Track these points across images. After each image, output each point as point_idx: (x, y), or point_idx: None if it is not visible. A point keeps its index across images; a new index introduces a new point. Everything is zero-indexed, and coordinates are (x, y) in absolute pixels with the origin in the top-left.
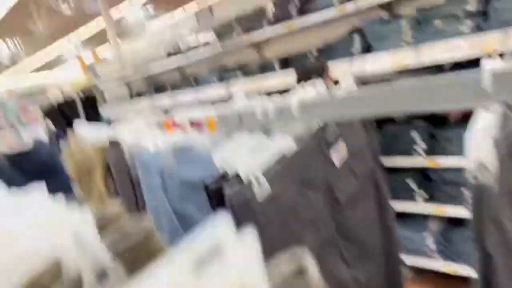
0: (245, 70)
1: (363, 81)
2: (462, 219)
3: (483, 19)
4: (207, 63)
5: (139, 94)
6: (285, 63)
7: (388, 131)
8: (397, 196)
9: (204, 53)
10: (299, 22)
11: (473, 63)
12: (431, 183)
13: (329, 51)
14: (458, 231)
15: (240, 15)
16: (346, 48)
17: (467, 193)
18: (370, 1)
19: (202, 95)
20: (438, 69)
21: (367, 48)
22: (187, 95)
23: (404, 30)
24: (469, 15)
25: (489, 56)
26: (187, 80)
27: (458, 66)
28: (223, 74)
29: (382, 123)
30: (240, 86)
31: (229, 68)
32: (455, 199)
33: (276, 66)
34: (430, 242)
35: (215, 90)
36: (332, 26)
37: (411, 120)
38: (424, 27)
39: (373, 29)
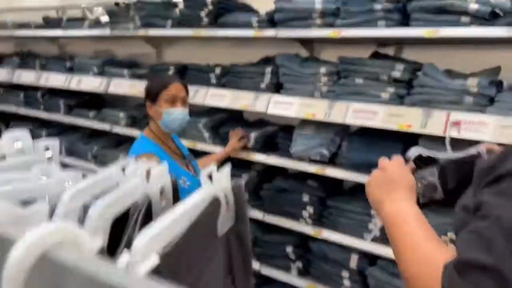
0: (134, 70)
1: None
2: None
3: (407, 90)
4: (92, 46)
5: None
6: (182, 71)
7: (278, 185)
8: (272, 262)
9: (89, 32)
10: (209, 31)
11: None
12: (311, 255)
13: (234, 75)
14: None
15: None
16: (255, 78)
17: (346, 276)
18: (291, 33)
19: (74, 80)
20: (345, 129)
21: (277, 86)
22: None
23: (322, 80)
24: (394, 81)
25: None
26: (62, 57)
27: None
28: (108, 66)
29: (273, 174)
30: (121, 87)
31: (116, 61)
32: (332, 281)
33: (171, 72)
34: None
35: (90, 81)
36: (246, 47)
37: (305, 177)
38: (343, 81)
39: (288, 67)
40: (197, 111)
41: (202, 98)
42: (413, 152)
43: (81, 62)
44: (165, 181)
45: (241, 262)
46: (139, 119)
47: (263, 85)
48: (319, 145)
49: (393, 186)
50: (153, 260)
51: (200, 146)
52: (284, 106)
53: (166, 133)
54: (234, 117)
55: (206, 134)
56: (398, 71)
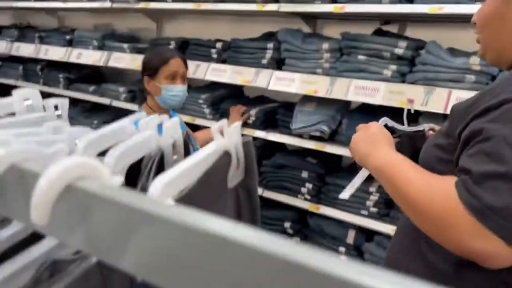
0: (134, 44)
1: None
2: None
3: (410, 67)
4: (92, 19)
5: None
6: (183, 46)
7: (278, 162)
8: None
9: (89, 4)
10: (210, 5)
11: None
12: (308, 230)
13: (235, 50)
14: None
15: None
16: (256, 53)
17: (343, 252)
18: (294, 8)
19: (74, 53)
20: (346, 106)
21: (279, 62)
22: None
23: (325, 56)
24: (396, 59)
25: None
26: (61, 30)
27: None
28: (108, 40)
29: (272, 150)
30: (121, 61)
31: (117, 35)
32: None
33: (172, 46)
34: None
35: (90, 55)
36: (248, 22)
37: (304, 154)
38: (345, 58)
39: (291, 43)
40: (197, 87)
41: (203, 74)
42: (382, 120)
43: (80, 36)
44: (177, 135)
45: (249, 213)
46: (139, 94)
47: (264, 61)
48: (319, 122)
49: (377, 141)
50: (170, 203)
51: (200, 122)
52: (286, 83)
53: (164, 109)
54: (235, 93)
55: (207, 110)
56: (400, 48)
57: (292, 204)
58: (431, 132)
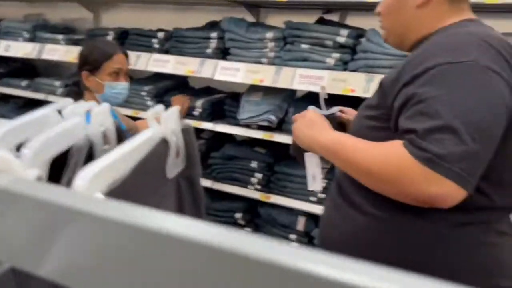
0: (69, 36)
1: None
2: None
3: (351, 55)
4: (21, 9)
5: None
6: (122, 36)
7: (226, 153)
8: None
9: None
10: None
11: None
12: (260, 220)
13: (178, 40)
14: None
15: None
16: (200, 43)
17: (294, 239)
18: None
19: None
20: (291, 95)
21: (224, 51)
22: None
23: (269, 46)
24: (338, 47)
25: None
26: None
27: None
28: (40, 31)
29: (221, 142)
30: (56, 53)
31: (50, 26)
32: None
33: (110, 37)
34: None
35: (21, 47)
36: (189, 12)
37: (253, 144)
38: (289, 47)
39: (235, 32)
40: (139, 78)
41: (144, 65)
42: (310, 108)
43: (9, 26)
44: (108, 123)
45: (192, 205)
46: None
47: (209, 51)
48: (266, 111)
49: (317, 124)
50: (98, 197)
51: (143, 115)
52: (231, 72)
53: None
54: (179, 84)
55: (150, 102)
56: (342, 36)
57: (243, 194)
58: (339, 113)
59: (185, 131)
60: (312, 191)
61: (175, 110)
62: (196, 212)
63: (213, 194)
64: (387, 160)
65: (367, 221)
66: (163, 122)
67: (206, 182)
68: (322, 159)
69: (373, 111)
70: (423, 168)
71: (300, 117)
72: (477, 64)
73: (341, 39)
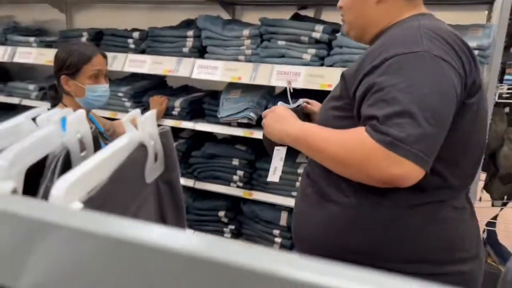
0: (42, 38)
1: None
2: None
3: (327, 50)
4: None
5: None
6: (97, 37)
7: (207, 151)
8: (205, 228)
9: None
10: None
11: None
12: (243, 217)
13: (154, 39)
14: None
15: None
16: (176, 42)
17: (277, 234)
18: None
19: None
20: (270, 91)
21: (201, 50)
22: None
23: (246, 43)
24: (314, 43)
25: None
26: None
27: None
28: (10, 34)
29: (201, 141)
30: (28, 56)
31: (21, 28)
32: (264, 239)
33: (84, 38)
34: None
35: None
36: (164, 11)
37: (233, 141)
38: (266, 44)
39: (211, 30)
40: (116, 79)
41: (121, 65)
42: (279, 104)
43: None
44: (84, 130)
45: (173, 209)
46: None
47: (185, 49)
48: (246, 109)
49: (286, 118)
50: (76, 206)
51: (121, 116)
52: (209, 71)
53: (84, 109)
54: (157, 84)
55: (128, 103)
56: (318, 32)
57: (225, 192)
58: (305, 104)
59: (162, 134)
60: (271, 182)
61: (151, 114)
62: (177, 215)
63: (195, 193)
64: (352, 145)
65: (335, 209)
66: (140, 127)
67: (188, 182)
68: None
69: (337, 101)
70: (384, 150)
71: (269, 113)
72: (429, 54)
73: (317, 35)
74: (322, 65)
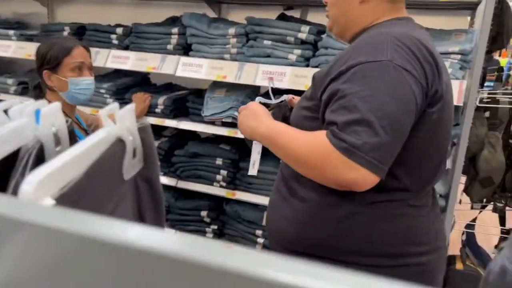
0: (22, 31)
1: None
2: None
3: (313, 51)
4: None
5: None
6: (79, 32)
7: (191, 150)
8: (187, 228)
9: None
10: None
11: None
12: (225, 217)
13: (138, 36)
14: None
15: None
16: (161, 39)
17: (260, 235)
18: None
19: None
20: (255, 91)
21: (186, 47)
22: None
23: (231, 41)
24: (300, 43)
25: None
26: None
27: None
28: None
29: (184, 139)
30: (8, 50)
31: (1, 20)
32: (246, 239)
33: (66, 33)
34: None
35: None
36: (149, 7)
37: (217, 141)
38: (252, 43)
39: (196, 27)
40: (98, 75)
41: (103, 61)
42: (257, 99)
43: None
44: (59, 123)
45: (152, 207)
46: (31, 86)
47: (170, 47)
48: (230, 108)
49: (258, 115)
50: (47, 203)
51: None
52: (194, 69)
53: (69, 106)
54: (140, 81)
55: (110, 100)
56: (303, 33)
57: (208, 192)
58: (290, 98)
59: (141, 129)
60: (251, 176)
61: (131, 107)
62: (156, 214)
63: (178, 192)
64: (313, 148)
65: (301, 204)
66: (119, 121)
67: (170, 181)
68: None
69: (308, 102)
70: (341, 156)
71: (244, 109)
72: (392, 63)
73: (303, 35)
74: (307, 65)
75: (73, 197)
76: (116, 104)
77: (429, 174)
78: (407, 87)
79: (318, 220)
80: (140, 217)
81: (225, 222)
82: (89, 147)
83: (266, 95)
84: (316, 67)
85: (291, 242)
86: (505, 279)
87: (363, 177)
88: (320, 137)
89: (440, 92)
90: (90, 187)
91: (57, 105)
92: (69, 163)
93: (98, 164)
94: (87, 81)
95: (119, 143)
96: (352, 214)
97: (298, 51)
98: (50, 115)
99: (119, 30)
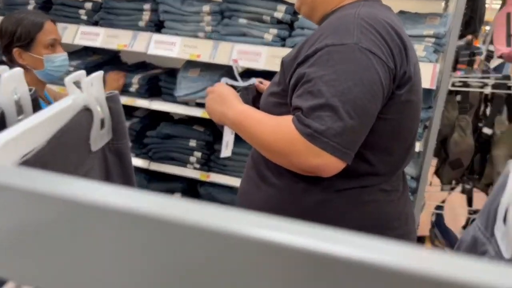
0: None
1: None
2: None
3: (289, 31)
4: None
5: None
6: (45, 6)
7: (163, 132)
8: None
9: None
10: None
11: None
12: (200, 200)
13: (108, 11)
14: None
15: None
16: (132, 15)
17: None
18: None
19: None
20: (230, 69)
21: (158, 24)
22: None
23: (206, 19)
24: (276, 23)
25: None
26: None
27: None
28: None
29: (157, 120)
30: None
31: None
32: None
33: (31, 7)
34: None
35: None
36: None
37: (191, 122)
38: (227, 21)
39: (169, 4)
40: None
41: (71, 38)
42: (223, 80)
43: None
44: (22, 91)
45: (122, 180)
46: None
47: (142, 23)
48: (204, 88)
49: (226, 99)
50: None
51: None
52: (166, 47)
53: (39, 82)
54: (111, 60)
55: None
56: (280, 12)
57: (181, 174)
58: (258, 83)
59: (110, 98)
60: (224, 158)
61: (98, 75)
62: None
63: (150, 174)
64: (279, 134)
65: (271, 190)
66: (85, 89)
67: (142, 163)
68: None
69: (276, 87)
70: (306, 142)
71: (211, 92)
72: (358, 45)
73: (279, 15)
74: (283, 45)
75: (36, 165)
76: (83, 71)
77: (400, 157)
78: (373, 70)
79: (290, 207)
80: None
81: None
82: (53, 115)
83: (233, 77)
84: (292, 47)
85: None
86: (477, 249)
87: (328, 163)
88: (286, 122)
89: (409, 73)
90: (54, 156)
91: (19, 71)
92: (31, 130)
93: (62, 132)
94: (62, 57)
95: (86, 112)
96: (324, 201)
97: (274, 31)
98: (12, 81)
99: (88, 5)
